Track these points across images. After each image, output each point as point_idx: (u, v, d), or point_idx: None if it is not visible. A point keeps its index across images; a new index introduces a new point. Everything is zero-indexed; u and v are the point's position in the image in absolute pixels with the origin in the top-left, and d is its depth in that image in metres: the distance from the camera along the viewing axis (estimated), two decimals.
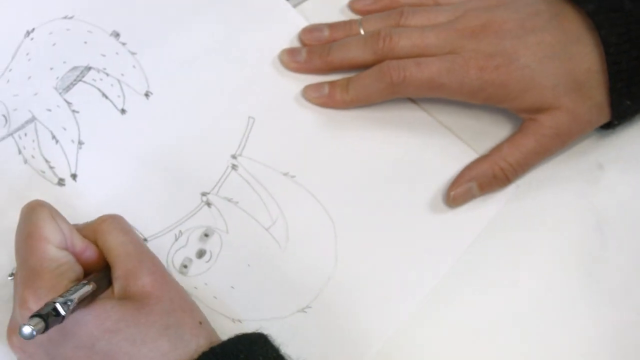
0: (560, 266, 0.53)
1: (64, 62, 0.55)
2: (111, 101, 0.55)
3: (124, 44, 0.56)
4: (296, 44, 0.58)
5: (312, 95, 0.56)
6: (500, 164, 0.54)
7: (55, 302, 0.40)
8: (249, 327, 0.50)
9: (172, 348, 0.43)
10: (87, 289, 0.42)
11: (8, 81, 0.54)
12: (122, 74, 0.55)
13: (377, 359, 0.50)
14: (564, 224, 0.54)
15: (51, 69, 0.54)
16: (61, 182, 0.52)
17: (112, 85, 0.55)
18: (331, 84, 0.56)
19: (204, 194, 0.53)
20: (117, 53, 0.55)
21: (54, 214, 0.46)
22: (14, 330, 0.45)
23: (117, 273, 0.45)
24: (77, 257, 0.46)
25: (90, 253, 0.46)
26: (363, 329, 0.51)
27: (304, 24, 0.58)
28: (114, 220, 0.48)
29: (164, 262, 0.51)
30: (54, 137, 0.53)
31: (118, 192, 0.52)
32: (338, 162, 0.55)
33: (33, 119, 0.53)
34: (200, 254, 0.52)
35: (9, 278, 0.47)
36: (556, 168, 0.56)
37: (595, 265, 0.53)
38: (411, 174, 0.55)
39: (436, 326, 0.51)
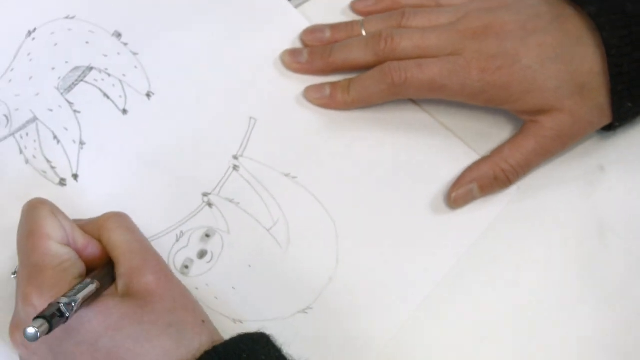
0: (561, 267, 0.53)
1: (66, 62, 0.55)
2: (113, 101, 0.55)
3: (125, 44, 0.56)
4: (298, 44, 0.58)
5: (314, 96, 0.56)
6: (501, 166, 0.54)
7: (59, 303, 0.40)
8: (250, 328, 0.50)
9: (174, 346, 0.43)
10: (92, 288, 0.42)
11: (10, 81, 0.54)
12: (124, 75, 0.55)
13: (378, 359, 0.50)
14: (564, 226, 0.54)
15: (53, 69, 0.54)
16: (62, 182, 0.52)
17: (113, 85, 0.55)
18: (332, 85, 0.56)
19: (205, 195, 0.53)
20: (118, 53, 0.55)
21: (55, 211, 0.46)
22: (16, 326, 0.45)
23: (121, 270, 0.45)
24: (79, 254, 0.46)
25: (92, 249, 0.47)
26: (364, 330, 0.51)
27: (305, 24, 0.58)
28: (119, 218, 0.48)
29: None
30: (55, 137, 0.53)
31: (119, 192, 0.52)
32: (339, 163, 0.55)
33: (34, 119, 0.53)
34: (202, 254, 0.52)
35: (12, 276, 0.48)
36: (557, 170, 0.56)
37: (596, 267, 0.53)
38: (412, 175, 0.55)
39: (437, 327, 0.51)
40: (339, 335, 0.51)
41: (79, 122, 0.54)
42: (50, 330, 0.39)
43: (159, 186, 0.53)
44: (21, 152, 0.53)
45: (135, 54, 0.56)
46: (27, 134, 0.53)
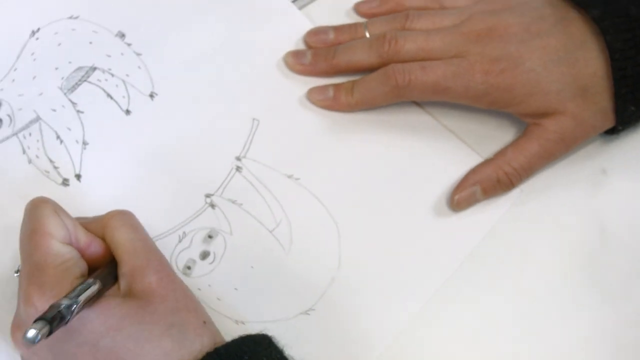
0: (563, 270, 0.53)
1: (69, 62, 0.55)
2: (116, 102, 0.55)
3: (129, 44, 0.56)
4: (301, 46, 0.58)
5: (317, 97, 0.56)
6: (504, 168, 0.54)
7: (60, 305, 0.40)
8: (252, 329, 0.50)
9: (175, 347, 0.43)
10: (93, 289, 0.42)
11: (13, 81, 0.54)
12: (127, 75, 0.55)
13: None
14: (567, 229, 0.54)
15: (56, 69, 0.54)
16: (65, 182, 0.52)
17: (117, 85, 0.55)
18: (336, 86, 0.56)
19: (208, 196, 0.53)
20: (122, 54, 0.55)
21: (58, 209, 0.46)
22: (18, 326, 0.45)
23: (124, 270, 0.45)
24: (82, 252, 0.46)
25: (95, 248, 0.47)
26: (367, 331, 0.51)
27: (309, 26, 0.59)
28: (123, 216, 0.48)
29: None
30: (58, 137, 0.53)
31: (122, 192, 0.52)
32: (342, 165, 0.55)
33: (38, 119, 0.53)
34: (204, 255, 0.52)
35: (15, 275, 0.47)
36: (560, 173, 0.56)
37: (598, 270, 0.53)
38: (415, 177, 0.55)
39: (440, 329, 0.51)
40: (341, 337, 0.51)
41: (82, 122, 0.54)
42: (50, 333, 0.39)
43: (161, 187, 0.53)
44: (24, 151, 0.53)
45: (138, 54, 0.56)
46: (30, 134, 0.53)
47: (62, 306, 0.40)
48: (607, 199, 0.55)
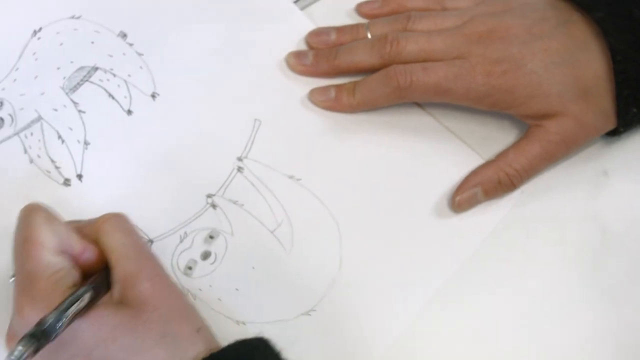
0: (564, 271, 0.53)
1: (71, 62, 0.55)
2: (118, 102, 0.55)
3: (131, 44, 0.56)
4: (303, 47, 0.58)
5: (319, 98, 0.56)
6: (505, 170, 0.54)
7: (47, 322, 0.40)
8: (252, 330, 0.50)
9: (168, 356, 0.43)
10: (84, 300, 0.42)
11: (15, 80, 0.54)
12: (129, 75, 0.55)
13: None
14: (568, 230, 0.54)
15: (58, 68, 0.54)
16: (67, 182, 0.52)
17: (118, 85, 0.55)
18: (338, 87, 0.56)
19: (209, 196, 0.53)
20: (124, 54, 0.55)
21: (50, 217, 0.46)
22: (12, 337, 0.44)
23: (117, 276, 0.45)
24: (76, 259, 0.46)
25: (89, 254, 0.46)
26: (367, 332, 0.51)
27: (311, 27, 0.58)
28: (117, 221, 0.47)
29: (168, 263, 0.51)
30: (60, 137, 0.53)
31: (123, 193, 0.52)
32: (343, 166, 0.55)
33: (39, 119, 0.53)
34: (205, 255, 0.52)
35: (10, 280, 0.47)
36: (561, 174, 0.56)
37: (599, 271, 0.53)
38: (416, 178, 0.55)
39: (440, 330, 0.51)
40: (342, 337, 0.50)
41: (83, 122, 0.54)
42: (37, 350, 0.39)
43: (163, 187, 0.53)
44: (25, 151, 0.53)
45: (140, 54, 0.56)
46: (31, 134, 0.53)
47: (49, 322, 0.40)
48: (608, 200, 0.55)
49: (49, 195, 0.51)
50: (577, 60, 0.52)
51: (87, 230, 0.47)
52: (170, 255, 0.51)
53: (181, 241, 0.52)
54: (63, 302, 0.41)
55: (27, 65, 0.54)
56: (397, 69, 0.54)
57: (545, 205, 0.55)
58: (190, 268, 0.51)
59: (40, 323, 0.40)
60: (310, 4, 0.60)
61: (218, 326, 0.47)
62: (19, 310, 0.43)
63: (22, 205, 0.47)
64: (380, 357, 0.50)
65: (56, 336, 0.40)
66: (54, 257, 0.44)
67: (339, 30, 0.58)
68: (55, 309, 0.41)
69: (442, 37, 0.54)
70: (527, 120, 0.54)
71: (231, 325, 0.50)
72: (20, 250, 0.45)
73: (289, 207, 0.53)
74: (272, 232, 0.53)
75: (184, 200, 0.53)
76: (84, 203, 0.51)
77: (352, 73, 0.56)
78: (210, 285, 0.51)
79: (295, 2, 0.59)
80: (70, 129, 0.53)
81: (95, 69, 0.55)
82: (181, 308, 0.45)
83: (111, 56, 0.55)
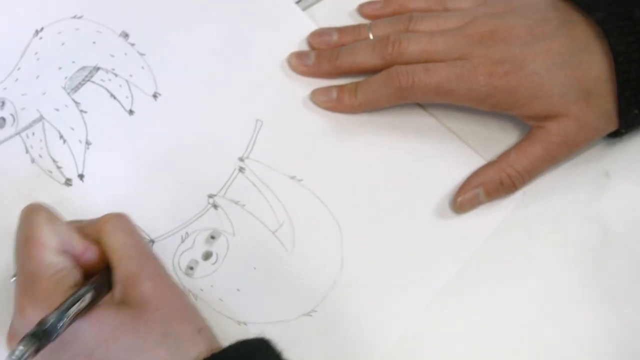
0: (565, 272, 0.53)
1: (73, 62, 0.55)
2: (119, 102, 0.55)
3: (132, 44, 0.56)
4: (305, 47, 0.58)
5: (320, 99, 0.56)
6: (507, 171, 0.54)
7: (48, 322, 0.40)
8: (254, 330, 0.50)
9: (169, 357, 0.43)
10: (85, 300, 0.42)
11: (16, 80, 0.54)
12: (131, 75, 0.55)
13: None
14: (569, 231, 0.54)
15: (60, 68, 0.54)
16: (68, 182, 0.52)
17: (120, 85, 0.55)
18: (339, 88, 0.56)
19: (210, 196, 0.53)
20: (125, 54, 0.55)
21: (52, 217, 0.45)
22: (13, 336, 0.44)
23: (118, 276, 0.45)
24: (77, 259, 0.46)
25: (90, 254, 0.46)
26: (368, 333, 0.51)
27: (313, 27, 0.58)
28: (118, 221, 0.47)
29: (170, 263, 0.51)
30: (61, 136, 0.53)
31: (125, 193, 0.52)
32: (345, 167, 0.55)
33: (41, 118, 0.53)
34: (207, 256, 0.52)
35: (12, 280, 0.47)
36: (563, 175, 0.56)
37: (601, 272, 0.53)
38: (418, 179, 0.55)
39: (442, 331, 0.51)
40: (343, 338, 0.50)
41: (85, 122, 0.54)
42: (38, 350, 0.39)
43: (164, 187, 0.53)
44: (27, 151, 0.53)
45: (142, 54, 0.56)
46: (33, 133, 0.53)
47: (50, 322, 0.40)
48: (610, 201, 0.55)
49: (51, 195, 0.51)
50: (578, 62, 0.52)
51: (88, 230, 0.47)
52: (172, 255, 0.51)
53: (182, 241, 0.52)
54: (64, 302, 0.41)
55: (29, 65, 0.54)
56: (399, 69, 0.54)
57: (547, 206, 0.55)
58: (191, 268, 0.51)
59: (41, 323, 0.40)
60: (312, 4, 0.60)
61: (219, 326, 0.47)
62: (20, 310, 0.43)
63: (23, 205, 0.47)
64: (381, 357, 0.50)
65: (57, 336, 0.40)
66: (55, 257, 0.44)
67: (341, 30, 0.58)
68: (57, 308, 0.41)
69: (444, 38, 0.54)
70: (528, 121, 0.54)
71: (232, 326, 0.50)
72: (21, 250, 0.44)
73: (290, 207, 0.53)
74: (273, 232, 0.53)
75: (185, 200, 0.53)
76: (86, 203, 0.51)
77: (354, 74, 0.56)
78: (212, 286, 0.51)
79: (297, 2, 0.59)
80: (72, 128, 0.53)
81: (97, 69, 0.55)
82: (182, 308, 0.45)
83: (113, 56, 0.55)
